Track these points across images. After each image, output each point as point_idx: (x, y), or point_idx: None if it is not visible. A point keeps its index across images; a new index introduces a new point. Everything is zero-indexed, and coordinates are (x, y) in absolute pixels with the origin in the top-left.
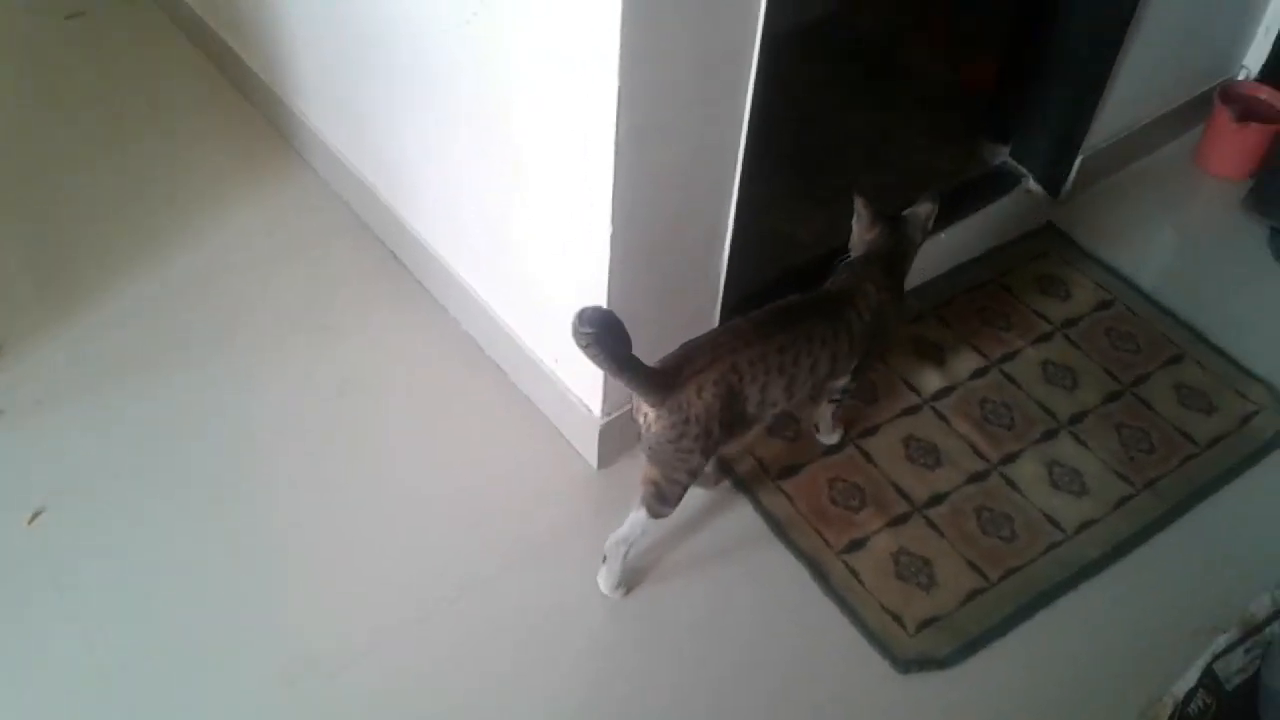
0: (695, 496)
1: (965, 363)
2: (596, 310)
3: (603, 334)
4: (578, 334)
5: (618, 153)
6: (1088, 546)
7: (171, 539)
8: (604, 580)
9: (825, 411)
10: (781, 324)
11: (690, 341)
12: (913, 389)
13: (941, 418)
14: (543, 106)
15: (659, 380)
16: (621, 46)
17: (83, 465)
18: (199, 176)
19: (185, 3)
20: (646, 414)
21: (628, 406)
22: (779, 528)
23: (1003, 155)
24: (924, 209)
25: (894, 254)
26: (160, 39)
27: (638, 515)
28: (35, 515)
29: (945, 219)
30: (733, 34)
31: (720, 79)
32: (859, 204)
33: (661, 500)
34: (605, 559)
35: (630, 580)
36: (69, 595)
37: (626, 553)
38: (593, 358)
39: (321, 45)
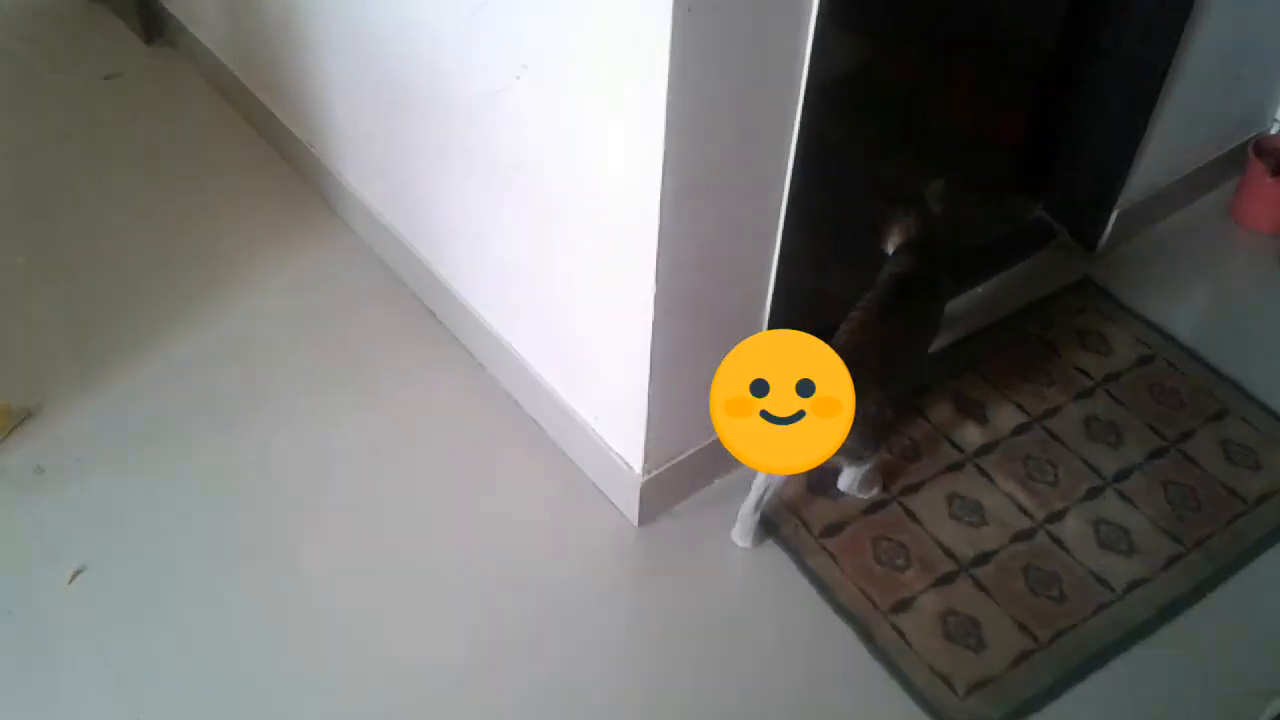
0: (736, 560)
1: (1007, 419)
2: None
3: None
4: None
5: (662, 213)
6: (1138, 607)
7: (208, 600)
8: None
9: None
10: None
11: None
12: (955, 445)
13: (985, 474)
14: (586, 168)
15: None
16: (668, 109)
17: (122, 525)
18: (236, 236)
19: (222, 64)
20: None
21: (669, 463)
22: (824, 588)
23: (1036, 210)
24: (935, 184)
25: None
26: (198, 100)
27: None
28: (75, 574)
29: (981, 274)
30: (777, 94)
31: (763, 138)
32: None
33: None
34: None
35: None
36: (109, 655)
37: (762, 498)
38: None
39: (359, 106)
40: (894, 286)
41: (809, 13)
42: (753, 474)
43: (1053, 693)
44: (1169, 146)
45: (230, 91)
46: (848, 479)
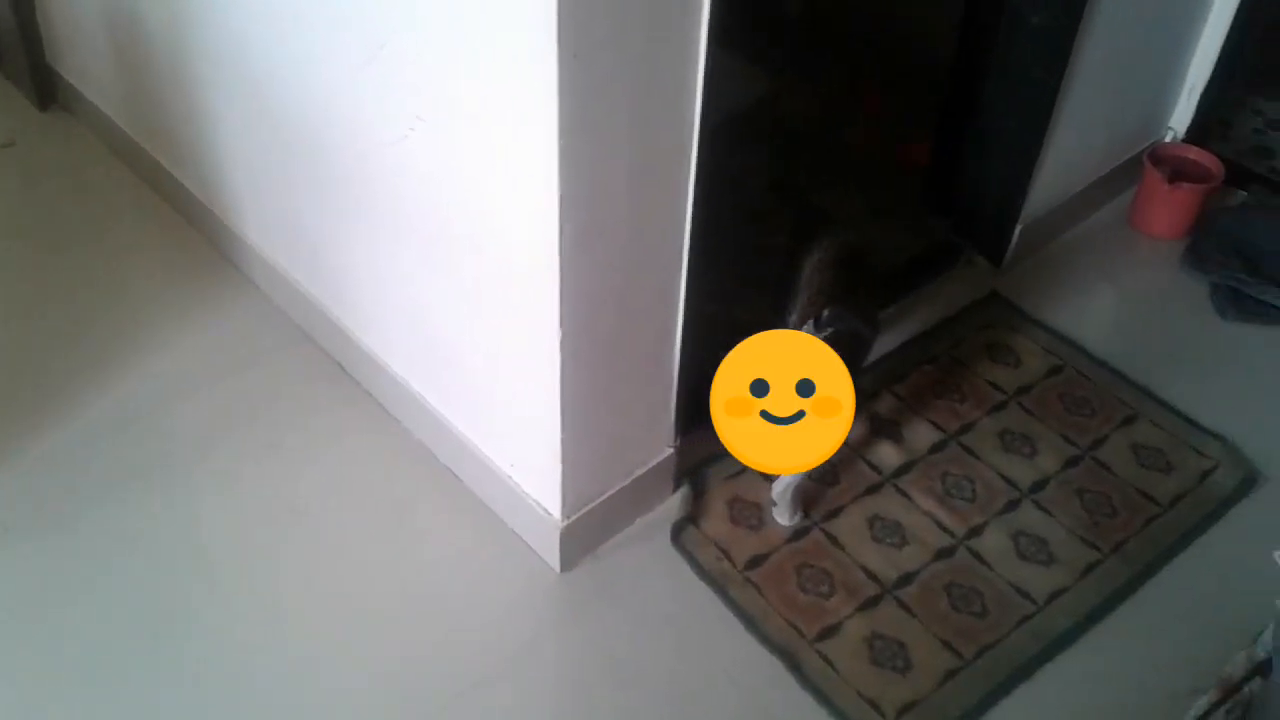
0: (661, 598)
1: (923, 437)
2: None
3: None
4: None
5: (562, 258)
6: (1060, 616)
7: (126, 669)
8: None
9: (786, 491)
10: None
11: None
12: (873, 467)
13: (904, 494)
14: (484, 217)
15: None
16: (561, 155)
17: (34, 593)
18: (140, 300)
19: (118, 126)
20: None
21: (588, 506)
22: (750, 621)
23: (945, 229)
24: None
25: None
26: (95, 163)
27: None
28: None
29: (893, 295)
30: (672, 132)
31: (662, 176)
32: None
33: None
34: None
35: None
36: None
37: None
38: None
39: (255, 162)
40: None
41: (698, 51)
42: (665, 516)
43: (980, 709)
44: (1067, 160)
45: (127, 154)
46: (781, 486)
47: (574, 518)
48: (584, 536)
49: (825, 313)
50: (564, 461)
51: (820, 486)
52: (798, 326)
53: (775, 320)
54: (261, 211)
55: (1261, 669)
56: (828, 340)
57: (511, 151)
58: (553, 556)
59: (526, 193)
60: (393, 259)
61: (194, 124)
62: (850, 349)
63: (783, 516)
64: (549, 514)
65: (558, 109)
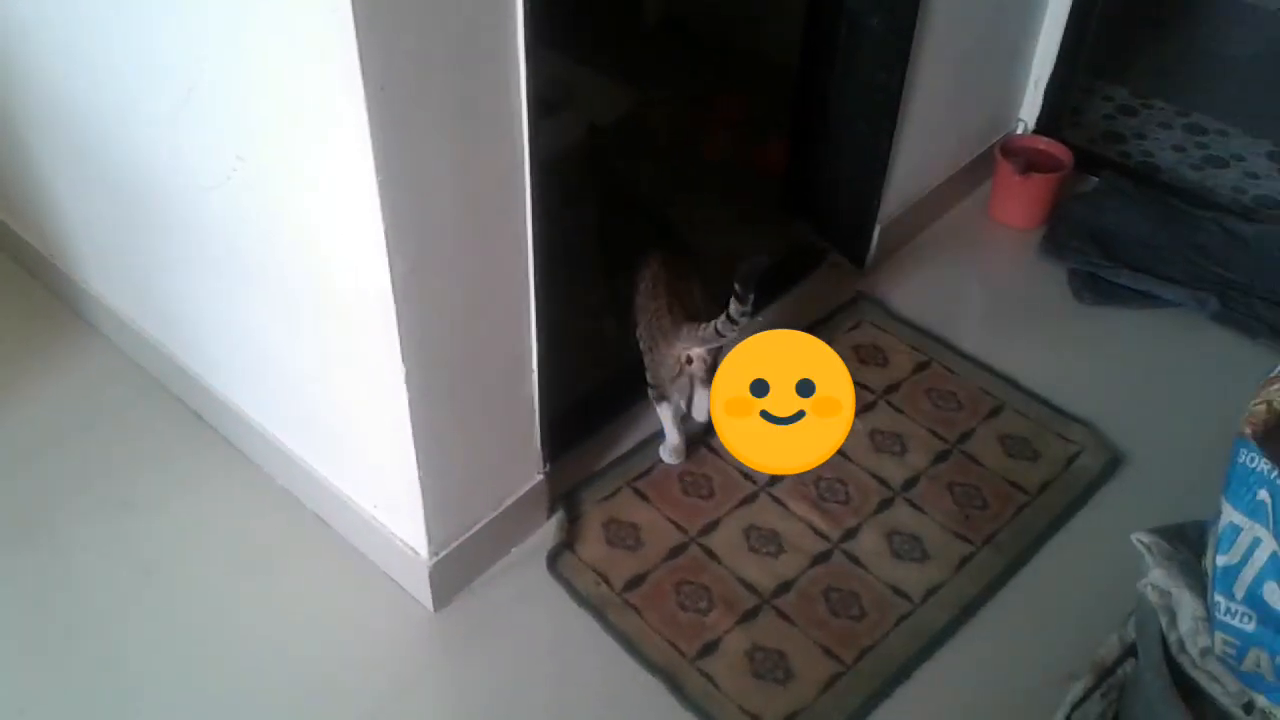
0: (539, 629)
1: None
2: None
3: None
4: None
5: (396, 295)
6: (936, 612)
7: None
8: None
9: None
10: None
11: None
12: (747, 477)
13: (779, 502)
14: (315, 258)
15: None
16: (380, 191)
17: None
18: None
19: None
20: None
21: (457, 541)
22: (629, 644)
23: (805, 232)
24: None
25: None
26: None
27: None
28: None
29: (759, 301)
30: (500, 158)
31: (493, 206)
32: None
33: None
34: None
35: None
36: None
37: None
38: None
39: (92, 213)
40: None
41: (518, 73)
42: (541, 544)
43: (863, 713)
44: (919, 158)
45: None
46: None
47: (442, 554)
48: (456, 572)
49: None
50: (424, 499)
51: (697, 501)
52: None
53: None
54: (104, 263)
55: (1133, 650)
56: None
57: (331, 190)
58: (425, 595)
59: (352, 231)
60: (235, 303)
61: (29, 177)
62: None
63: (675, 457)
64: (416, 553)
65: (371, 144)
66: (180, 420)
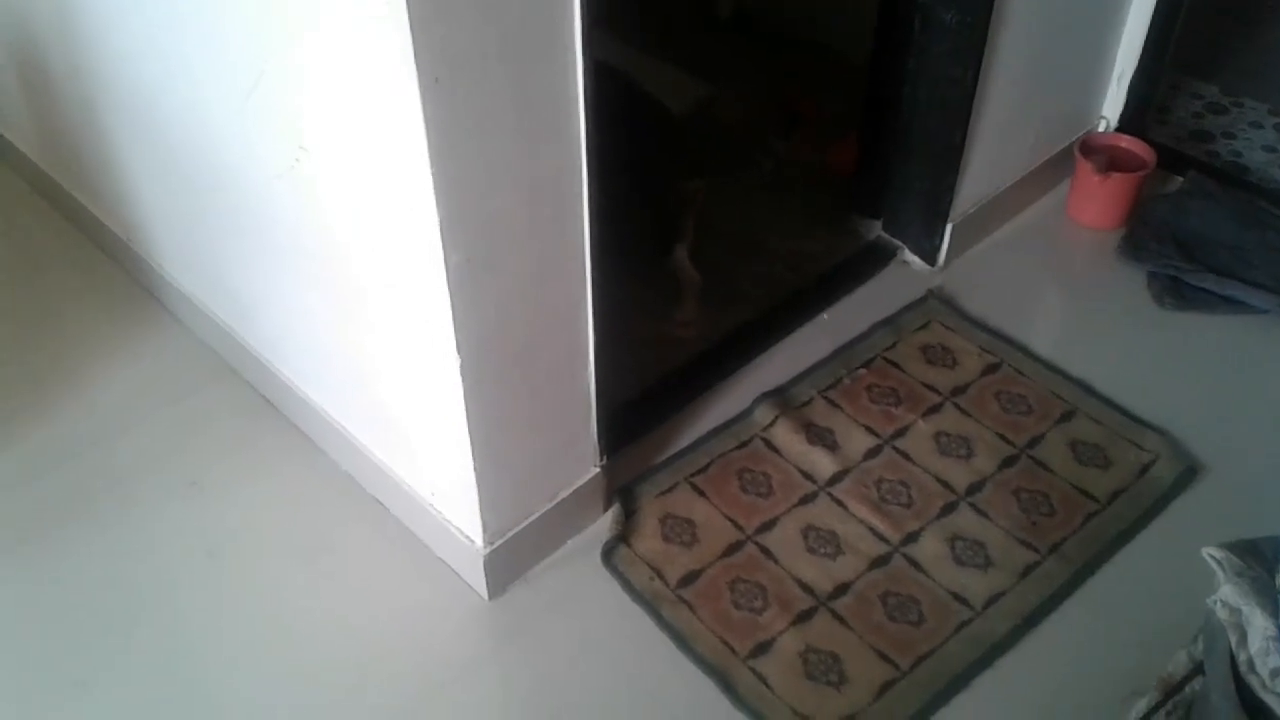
0: (592, 622)
1: (858, 443)
2: None
3: None
4: None
5: (452, 285)
6: (998, 621)
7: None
8: None
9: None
10: None
11: None
12: (808, 476)
13: (839, 503)
14: (374, 248)
15: None
16: (435, 183)
17: None
18: (65, 338)
19: (37, 165)
20: None
21: (512, 532)
22: (682, 640)
23: (876, 230)
24: None
25: None
26: (17, 202)
27: None
28: None
29: (826, 299)
30: (554, 151)
31: (550, 197)
32: None
33: None
34: None
35: None
36: None
37: None
38: None
39: (165, 198)
40: None
41: (575, 63)
42: (596, 537)
43: None
44: (995, 156)
45: (48, 192)
46: None
47: (497, 544)
48: (511, 562)
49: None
50: (479, 488)
51: (755, 499)
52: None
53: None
54: (178, 247)
55: (1202, 668)
56: None
57: (389, 181)
58: (480, 584)
59: (409, 224)
60: (299, 291)
61: (107, 163)
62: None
63: None
64: (472, 541)
65: (425, 136)
66: (249, 404)
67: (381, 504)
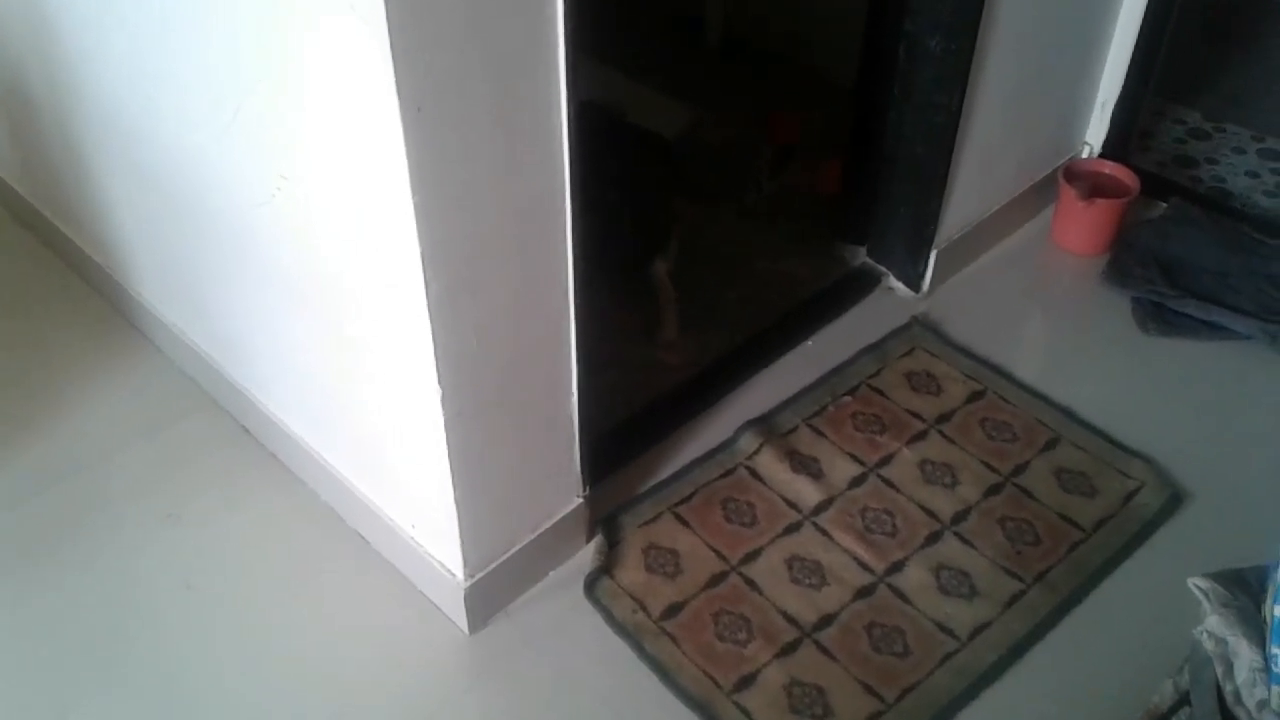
0: (574, 656)
1: (842, 472)
2: None
3: None
4: None
5: (433, 314)
6: (983, 651)
7: None
8: None
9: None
10: None
11: None
12: (792, 506)
13: (823, 533)
14: (356, 275)
15: None
16: (416, 212)
17: None
18: (41, 367)
19: (16, 192)
20: None
21: (493, 564)
22: (665, 674)
23: (861, 256)
24: None
25: None
26: None
27: None
28: None
29: (810, 326)
30: (537, 180)
31: (532, 227)
32: None
33: None
34: None
35: None
36: None
37: None
38: None
39: (146, 226)
40: None
41: (559, 97)
42: (579, 568)
43: None
44: (979, 182)
45: (29, 220)
46: None
47: (478, 576)
48: (492, 595)
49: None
50: (460, 520)
51: (739, 529)
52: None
53: None
54: (157, 275)
55: (1189, 699)
56: None
57: (370, 211)
58: (460, 617)
59: (389, 254)
60: (280, 320)
61: (87, 190)
62: None
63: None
64: (452, 574)
65: (407, 166)
66: (229, 434)
67: (362, 536)
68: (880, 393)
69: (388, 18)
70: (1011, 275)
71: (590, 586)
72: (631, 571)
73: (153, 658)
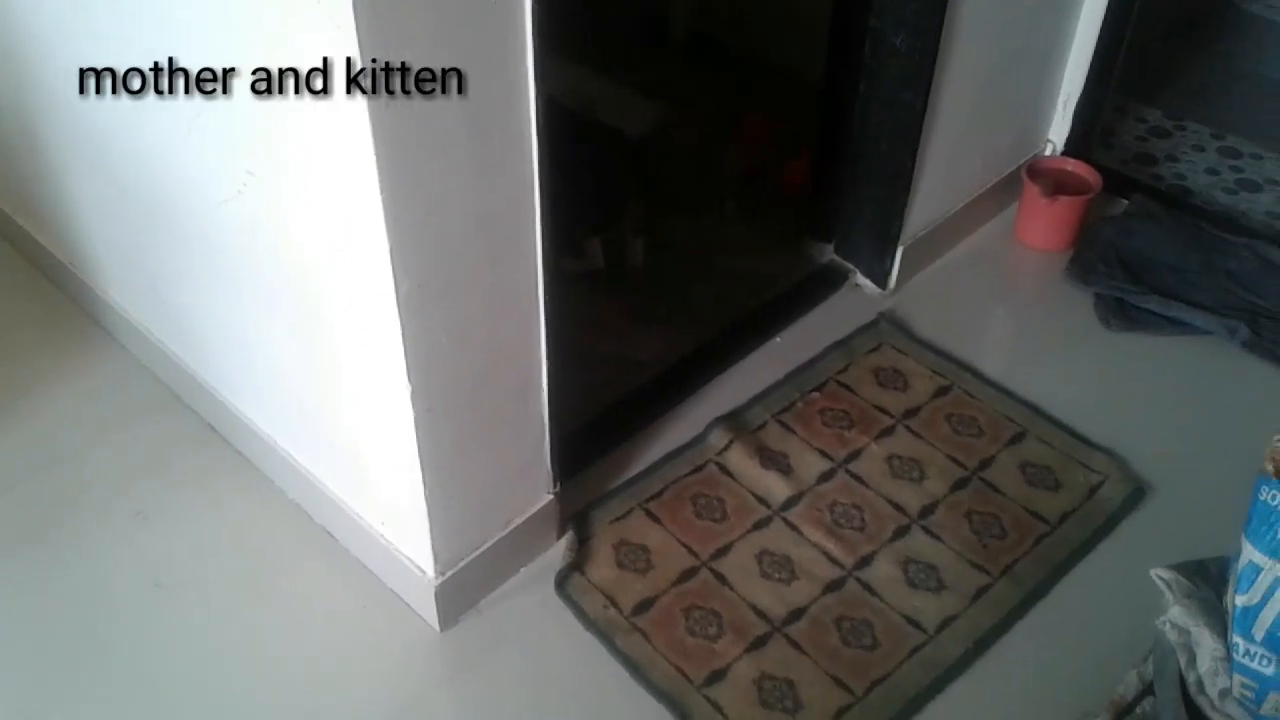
0: (545, 652)
1: (811, 467)
2: None
3: None
4: None
5: (402, 312)
6: (951, 644)
7: None
8: None
9: None
10: None
11: None
12: (762, 501)
13: (793, 527)
14: (323, 275)
15: None
16: (385, 211)
17: None
18: (4, 365)
19: None
20: None
21: (464, 561)
22: (636, 669)
23: (828, 254)
24: None
25: None
26: None
27: None
28: None
29: (779, 323)
30: (507, 179)
31: (502, 224)
32: None
33: None
34: None
35: None
36: None
37: None
38: None
39: (109, 222)
40: None
41: (527, 90)
42: (550, 565)
43: None
44: (944, 179)
45: None
46: None
47: (449, 574)
48: (463, 592)
49: None
50: (430, 517)
51: (709, 524)
52: None
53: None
54: (123, 275)
55: (1153, 689)
56: None
57: (338, 208)
58: (431, 615)
59: (358, 253)
60: (246, 317)
61: (50, 188)
62: None
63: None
64: (422, 572)
65: (376, 163)
66: (194, 432)
67: (331, 534)
68: (848, 388)
69: (355, 16)
70: (976, 272)
71: (561, 583)
72: (602, 568)
73: (121, 657)
